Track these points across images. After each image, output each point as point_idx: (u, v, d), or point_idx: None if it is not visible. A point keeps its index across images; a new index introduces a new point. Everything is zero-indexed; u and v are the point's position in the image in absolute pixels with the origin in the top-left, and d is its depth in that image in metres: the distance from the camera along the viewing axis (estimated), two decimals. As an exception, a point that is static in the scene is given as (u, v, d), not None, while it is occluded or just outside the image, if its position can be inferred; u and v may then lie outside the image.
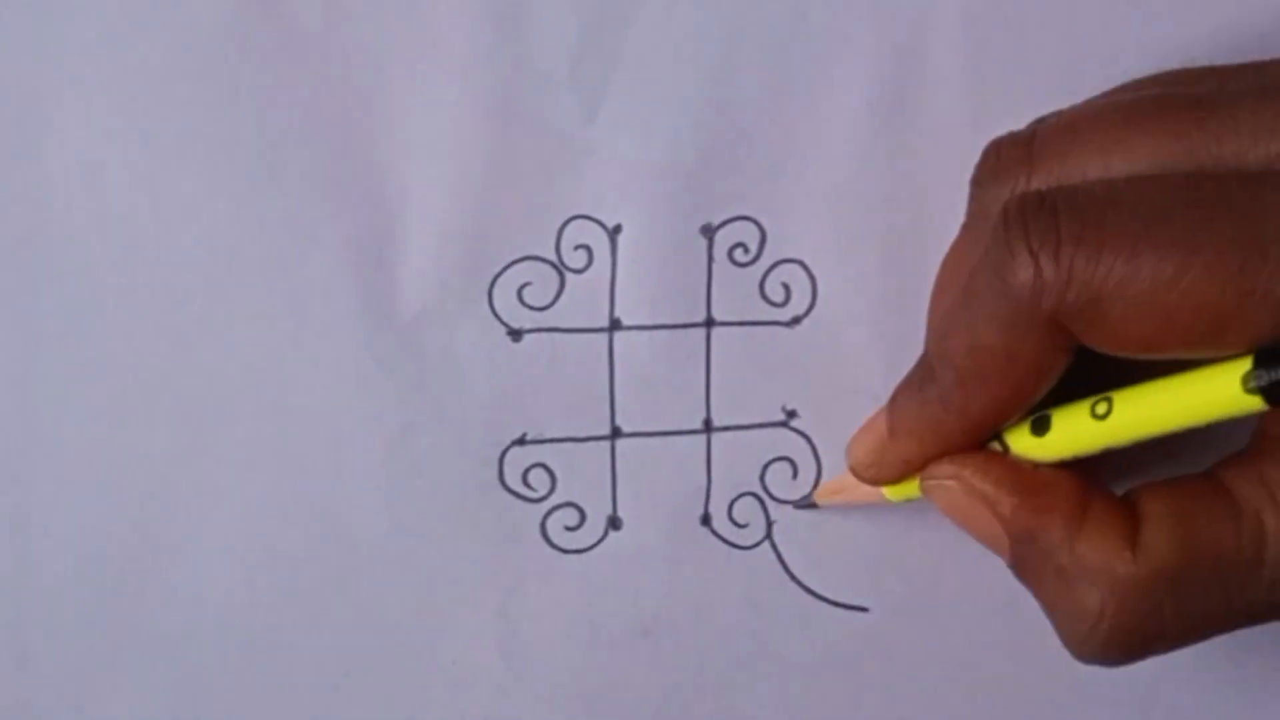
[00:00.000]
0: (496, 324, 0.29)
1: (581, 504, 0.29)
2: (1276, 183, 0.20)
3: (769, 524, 0.29)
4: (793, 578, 0.29)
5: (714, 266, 0.29)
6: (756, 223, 0.29)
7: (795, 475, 0.29)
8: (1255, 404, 0.20)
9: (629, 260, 0.29)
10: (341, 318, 0.28)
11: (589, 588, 0.29)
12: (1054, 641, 0.29)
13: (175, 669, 0.29)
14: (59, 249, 0.28)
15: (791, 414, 0.29)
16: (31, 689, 0.29)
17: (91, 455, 0.28)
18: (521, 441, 0.29)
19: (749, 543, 0.29)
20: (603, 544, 0.29)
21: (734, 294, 0.29)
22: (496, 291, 0.29)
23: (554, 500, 0.29)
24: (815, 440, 0.29)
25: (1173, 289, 0.20)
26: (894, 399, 0.25)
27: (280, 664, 0.29)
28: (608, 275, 0.29)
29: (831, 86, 0.28)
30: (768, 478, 0.29)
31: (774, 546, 0.29)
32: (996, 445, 0.24)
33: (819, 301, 0.29)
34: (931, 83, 0.28)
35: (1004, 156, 0.24)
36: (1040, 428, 0.23)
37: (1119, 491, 0.23)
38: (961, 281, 0.23)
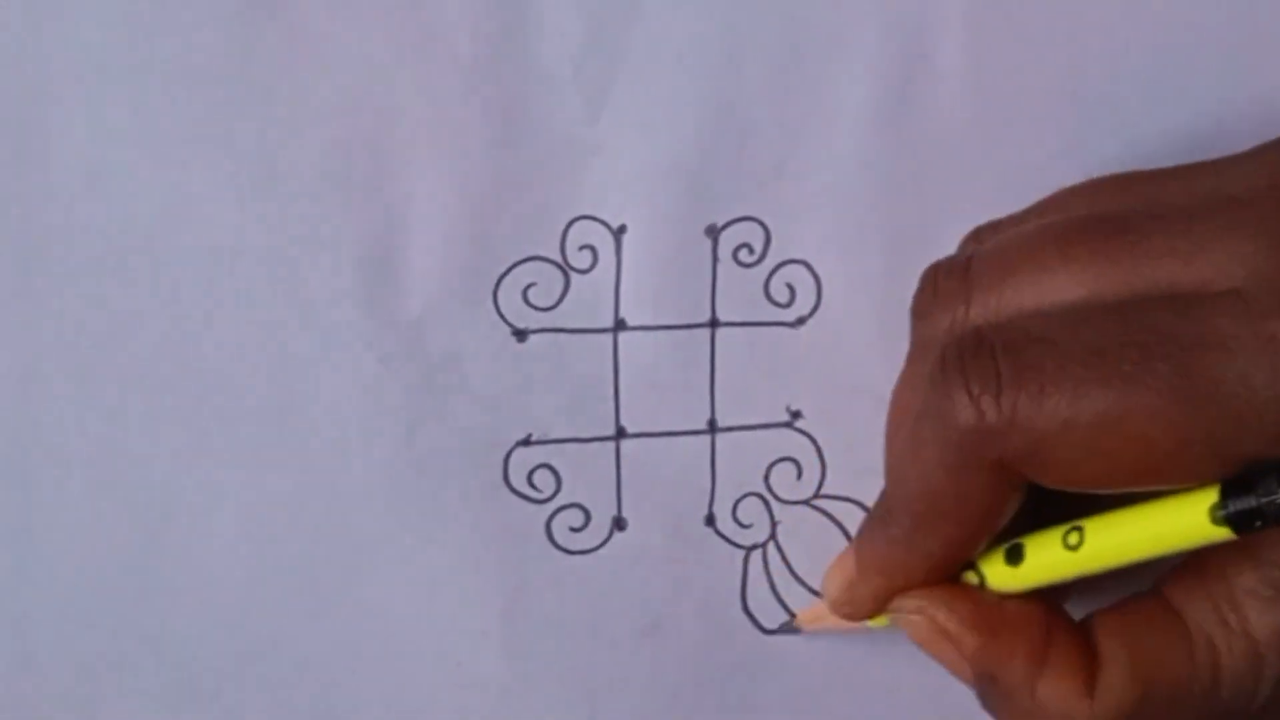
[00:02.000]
0: (501, 324, 0.29)
1: (586, 505, 0.29)
2: (1209, 310, 0.20)
3: (773, 524, 0.29)
4: (797, 578, 0.29)
5: (719, 267, 0.29)
6: (761, 223, 0.29)
7: (800, 476, 0.29)
8: (1224, 534, 0.20)
9: (634, 261, 0.29)
10: (345, 318, 0.28)
11: (594, 588, 0.29)
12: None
13: (178, 669, 0.29)
14: (61, 249, 0.28)
15: (796, 414, 0.29)
16: (33, 689, 0.29)
17: (94, 455, 0.28)
18: (526, 442, 0.29)
19: (753, 543, 0.29)
20: (608, 545, 0.29)
21: (739, 294, 0.29)
22: (501, 292, 0.29)
23: (559, 501, 0.29)
24: (820, 441, 0.29)
25: (1115, 432, 0.20)
26: (859, 536, 0.25)
27: (283, 664, 0.29)
28: (612, 276, 0.29)
29: (836, 87, 0.28)
30: (772, 478, 0.29)
31: (778, 547, 0.29)
32: (972, 575, 0.24)
33: (824, 302, 0.29)
34: (935, 82, 0.28)
35: (941, 288, 0.24)
36: (1014, 558, 0.24)
37: (1076, 614, 0.24)
38: (911, 416, 0.23)
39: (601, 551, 0.29)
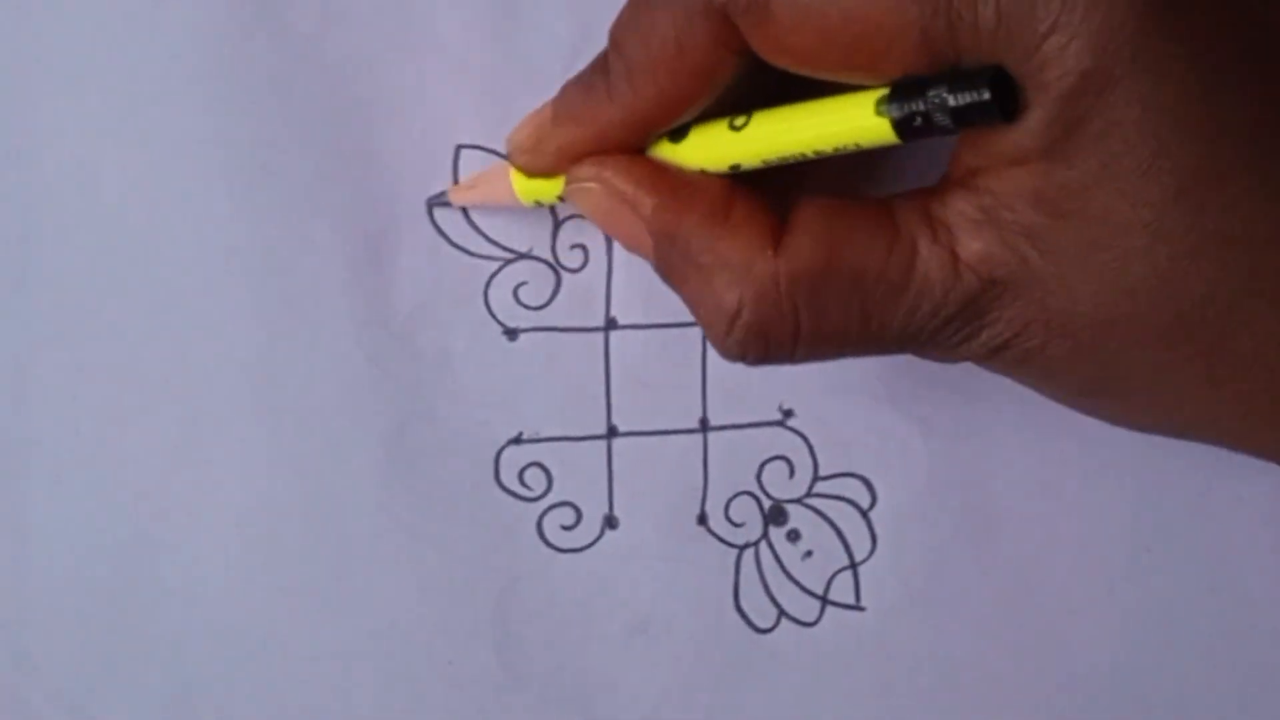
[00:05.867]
0: (492, 323, 0.29)
1: (578, 503, 0.29)
2: None
3: (765, 523, 0.29)
4: (789, 577, 0.29)
5: (710, 265, 0.29)
6: (753, 221, 0.28)
7: (792, 474, 0.29)
8: (885, 132, 0.20)
9: (625, 259, 0.28)
10: (336, 317, 0.28)
11: (585, 587, 0.29)
12: (1053, 642, 0.29)
13: (171, 668, 0.29)
14: (54, 249, 0.28)
15: (788, 413, 0.29)
16: (29, 689, 0.29)
17: (87, 455, 0.28)
18: (517, 440, 0.29)
19: (745, 542, 0.29)
20: (599, 543, 0.29)
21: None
22: (492, 290, 0.28)
23: (550, 499, 0.29)
24: (812, 439, 0.29)
25: (838, 5, 0.20)
26: (563, 88, 0.25)
27: (276, 663, 0.29)
28: (603, 274, 0.29)
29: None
30: (764, 476, 0.29)
31: (770, 545, 0.29)
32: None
33: (815, 300, 0.29)
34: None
35: None
36: (678, 135, 0.24)
37: None
38: None
39: (593, 550, 0.29)
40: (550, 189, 0.26)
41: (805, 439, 0.29)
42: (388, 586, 0.29)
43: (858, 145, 0.21)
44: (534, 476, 0.29)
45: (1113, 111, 0.19)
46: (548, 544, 0.29)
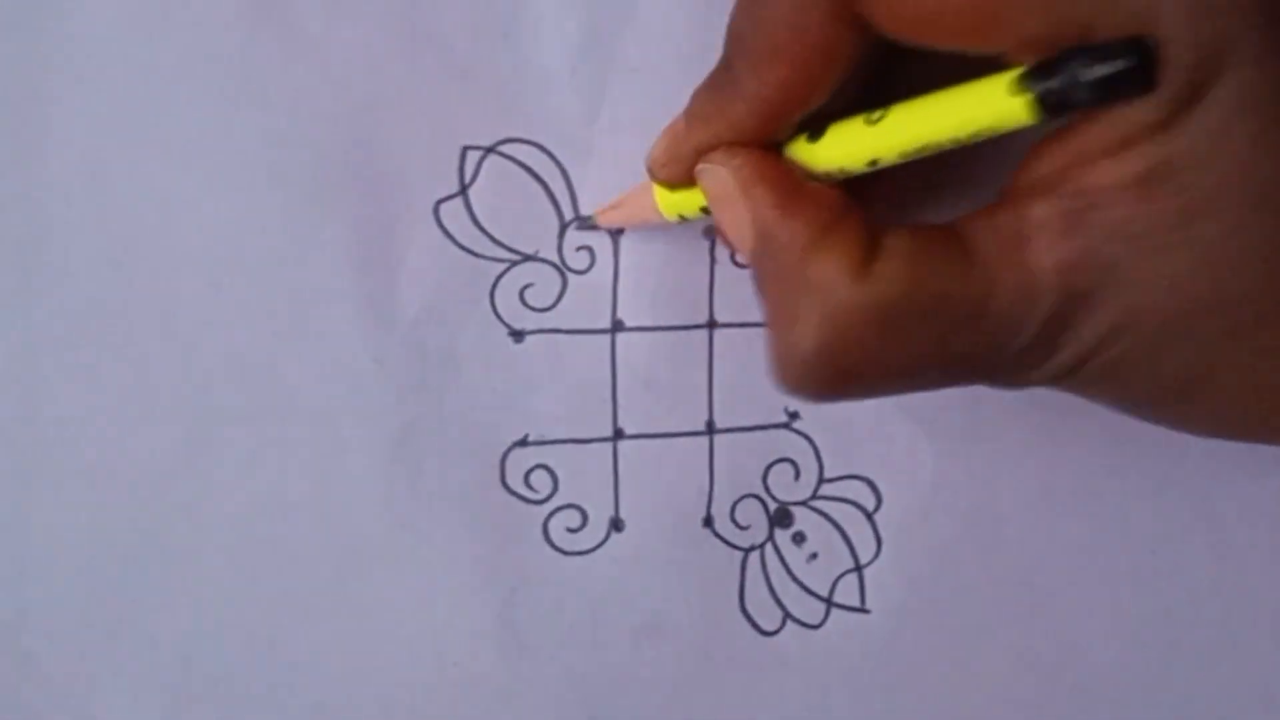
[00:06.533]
0: (498, 325, 0.29)
1: (584, 505, 0.29)
2: None
3: (771, 525, 0.29)
4: (794, 579, 0.29)
5: (716, 268, 0.29)
6: (759, 224, 0.28)
7: (797, 477, 0.29)
8: (1024, 112, 0.20)
9: (631, 262, 0.28)
10: (342, 318, 0.28)
11: (591, 589, 0.29)
12: (1057, 644, 0.29)
13: (175, 668, 0.29)
14: (60, 249, 0.28)
15: (794, 415, 0.29)
16: (31, 689, 0.29)
17: (92, 455, 0.28)
18: (523, 443, 0.29)
19: (751, 544, 0.29)
20: (605, 545, 0.29)
21: (736, 295, 0.29)
22: (498, 292, 0.28)
23: (556, 502, 0.29)
24: (817, 442, 0.29)
25: None
26: (694, 93, 0.25)
27: (280, 664, 0.29)
28: (610, 276, 0.29)
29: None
30: (770, 479, 0.29)
31: (776, 547, 0.29)
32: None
33: (822, 303, 0.29)
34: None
35: None
36: (816, 134, 0.23)
37: None
38: None
39: (599, 552, 0.29)
40: (692, 201, 0.25)
41: (811, 441, 0.29)
42: (393, 588, 0.29)
43: (995, 129, 0.21)
44: (540, 479, 0.29)
45: (1231, 75, 0.19)
46: (554, 546, 0.29)
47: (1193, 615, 0.29)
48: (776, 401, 0.29)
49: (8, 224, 0.28)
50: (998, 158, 0.22)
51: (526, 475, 0.29)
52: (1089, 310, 0.21)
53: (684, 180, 0.25)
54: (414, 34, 0.28)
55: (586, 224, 0.28)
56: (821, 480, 0.29)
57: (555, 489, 0.29)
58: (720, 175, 0.24)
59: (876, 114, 0.22)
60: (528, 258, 0.28)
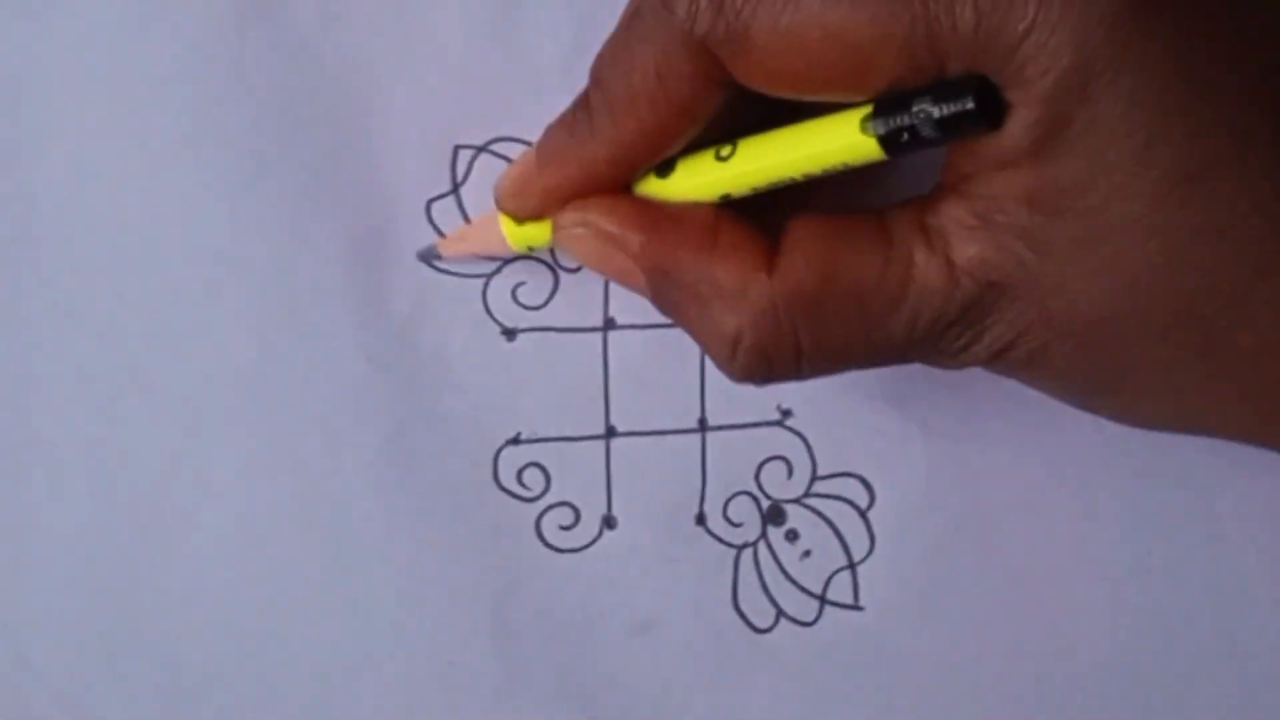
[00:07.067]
0: (490, 323, 0.29)
1: (576, 503, 0.29)
2: None
3: (764, 523, 0.29)
4: (788, 577, 0.29)
5: (708, 265, 0.29)
6: (750, 221, 0.28)
7: (790, 474, 0.29)
8: (873, 150, 0.20)
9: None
10: (335, 317, 0.28)
11: (584, 587, 0.29)
12: (1052, 642, 0.29)
13: (170, 667, 0.29)
14: (53, 249, 0.28)
15: (786, 413, 0.29)
16: (29, 689, 0.29)
17: (87, 456, 0.28)
18: (516, 441, 0.29)
19: (744, 542, 0.29)
20: (598, 543, 0.29)
21: (728, 293, 0.29)
22: (490, 291, 0.29)
23: (549, 499, 0.29)
24: (810, 439, 0.29)
25: (818, 25, 0.20)
26: (546, 130, 0.25)
27: (275, 664, 0.29)
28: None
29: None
30: (762, 476, 0.29)
31: (769, 545, 0.29)
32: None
33: (813, 300, 0.29)
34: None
35: None
36: (665, 170, 0.24)
37: None
38: (628, 13, 0.23)
39: (591, 550, 0.29)
40: (541, 234, 0.26)
41: (804, 439, 0.29)
42: (386, 587, 0.29)
43: (846, 165, 0.21)
44: (532, 477, 0.29)
45: (1097, 107, 0.19)
46: (546, 544, 0.29)
47: (1189, 614, 0.29)
48: (769, 399, 0.29)
49: (1, 223, 0.28)
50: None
51: (519, 473, 0.29)
52: (1009, 300, 0.21)
53: (531, 216, 0.25)
54: (406, 33, 0.28)
55: (430, 256, 0.28)
56: (814, 478, 0.29)
57: (547, 487, 0.29)
58: (580, 235, 0.24)
59: (726, 149, 0.23)
60: (520, 256, 0.28)
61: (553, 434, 0.29)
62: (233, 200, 0.28)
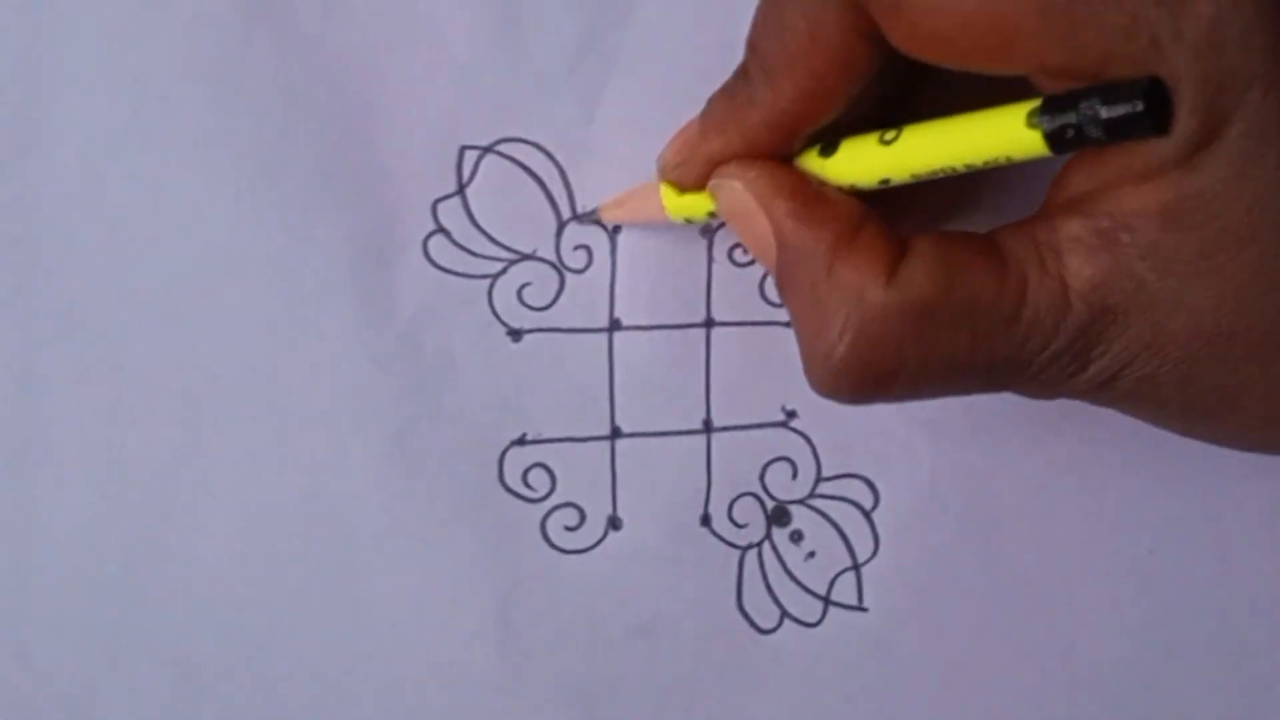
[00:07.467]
0: (496, 324, 0.29)
1: (581, 504, 0.29)
2: None
3: (768, 523, 0.29)
4: (792, 578, 0.29)
5: (714, 267, 0.29)
6: (756, 223, 0.28)
7: (795, 475, 0.29)
8: (1037, 145, 0.20)
9: (629, 260, 0.29)
10: (340, 317, 0.28)
11: (589, 588, 0.29)
12: (1056, 643, 0.29)
13: (174, 667, 0.29)
14: (57, 249, 0.28)
15: (791, 414, 0.29)
16: (31, 688, 0.29)
17: (91, 454, 0.28)
18: (521, 441, 0.29)
19: (748, 543, 0.29)
20: (603, 544, 0.29)
21: (734, 294, 0.29)
22: (496, 291, 0.29)
23: (554, 500, 0.29)
24: (815, 440, 0.29)
25: None
26: (709, 99, 0.25)
27: (279, 663, 0.29)
28: (607, 275, 0.29)
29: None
30: (767, 478, 0.29)
31: (773, 546, 0.29)
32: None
33: (819, 302, 0.29)
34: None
35: None
36: (829, 150, 0.23)
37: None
38: None
39: (596, 551, 0.29)
40: (700, 205, 0.25)
41: (808, 440, 0.29)
42: (391, 587, 0.29)
43: (1009, 158, 0.21)
44: (538, 477, 0.29)
45: (1252, 111, 0.19)
46: (551, 545, 0.29)
47: (1192, 614, 0.29)
48: (774, 400, 0.29)
49: (4, 224, 0.28)
50: (1035, 171, 0.22)
51: (524, 474, 0.29)
52: (1121, 326, 0.21)
53: (694, 184, 0.25)
54: (412, 34, 0.28)
55: (589, 217, 0.28)
56: (819, 479, 0.29)
57: (553, 488, 0.29)
58: (736, 190, 0.24)
59: (890, 134, 0.22)
60: (525, 257, 0.28)
61: (558, 435, 0.29)
62: (238, 201, 0.28)
